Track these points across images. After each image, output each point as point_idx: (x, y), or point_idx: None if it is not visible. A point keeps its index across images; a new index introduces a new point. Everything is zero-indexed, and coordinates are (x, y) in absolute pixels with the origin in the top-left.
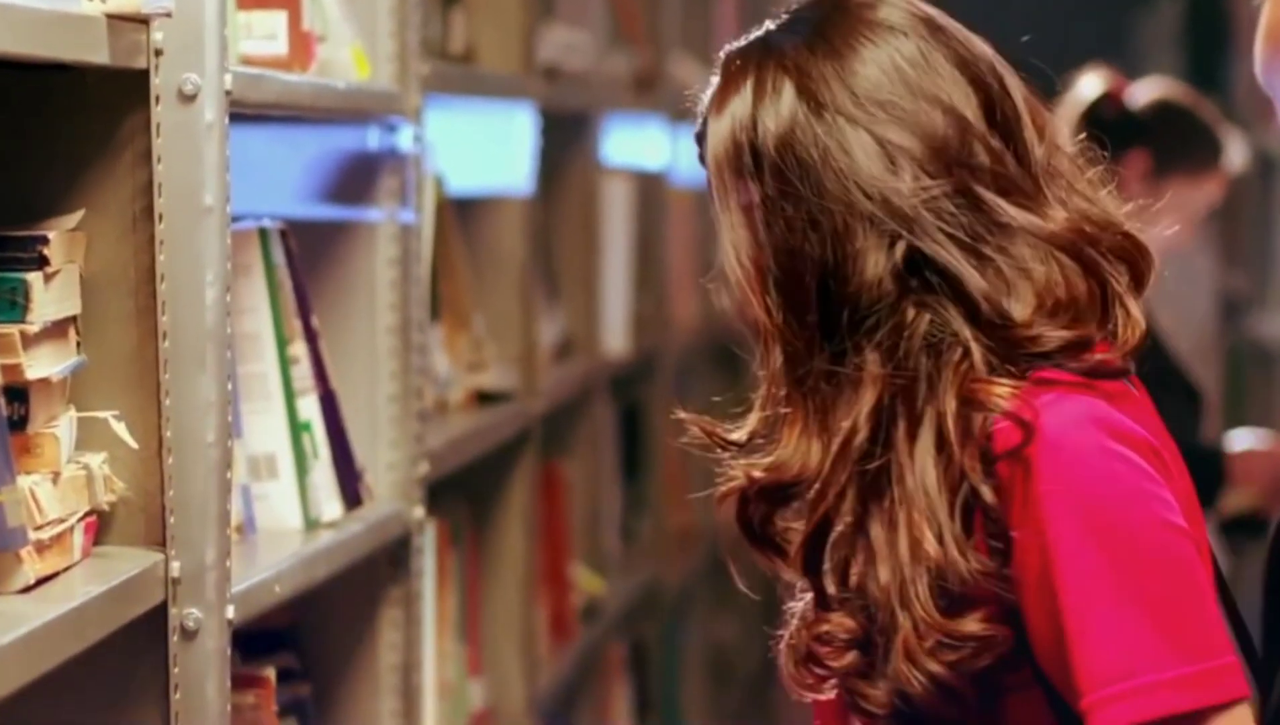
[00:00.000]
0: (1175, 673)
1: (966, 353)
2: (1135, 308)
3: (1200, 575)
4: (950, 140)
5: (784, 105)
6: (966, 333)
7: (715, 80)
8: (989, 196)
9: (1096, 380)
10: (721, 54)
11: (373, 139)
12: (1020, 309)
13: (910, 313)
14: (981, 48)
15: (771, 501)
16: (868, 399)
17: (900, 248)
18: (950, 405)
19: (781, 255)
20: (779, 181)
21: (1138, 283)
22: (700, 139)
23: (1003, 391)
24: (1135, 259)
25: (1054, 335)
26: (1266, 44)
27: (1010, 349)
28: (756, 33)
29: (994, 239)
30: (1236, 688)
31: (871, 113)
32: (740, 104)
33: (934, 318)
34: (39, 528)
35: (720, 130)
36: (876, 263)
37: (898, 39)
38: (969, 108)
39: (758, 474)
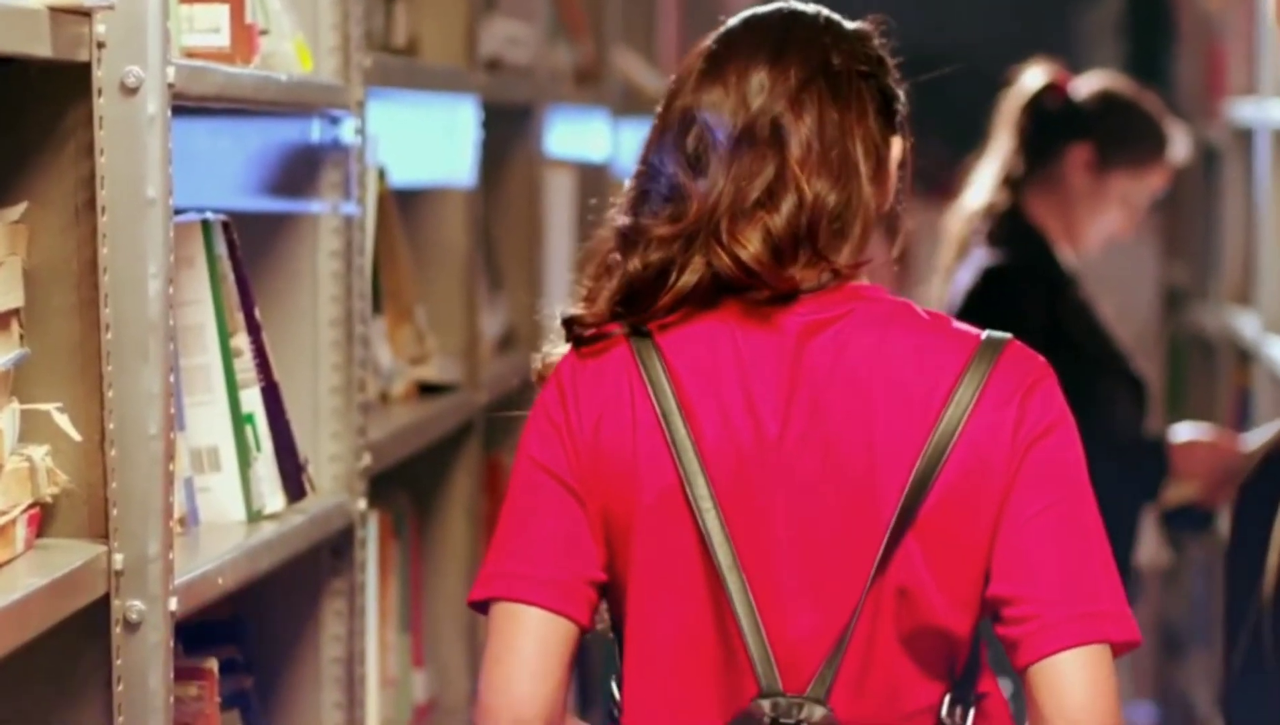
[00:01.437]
0: (487, 569)
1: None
2: (687, 277)
3: (528, 500)
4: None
5: None
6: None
7: None
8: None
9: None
10: None
11: (315, 131)
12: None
13: None
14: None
15: None
16: None
17: None
18: None
19: None
20: None
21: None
22: None
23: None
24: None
25: (588, 313)
26: None
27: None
28: None
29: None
30: (498, 589)
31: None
32: None
33: None
34: None
35: None
36: None
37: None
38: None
39: None
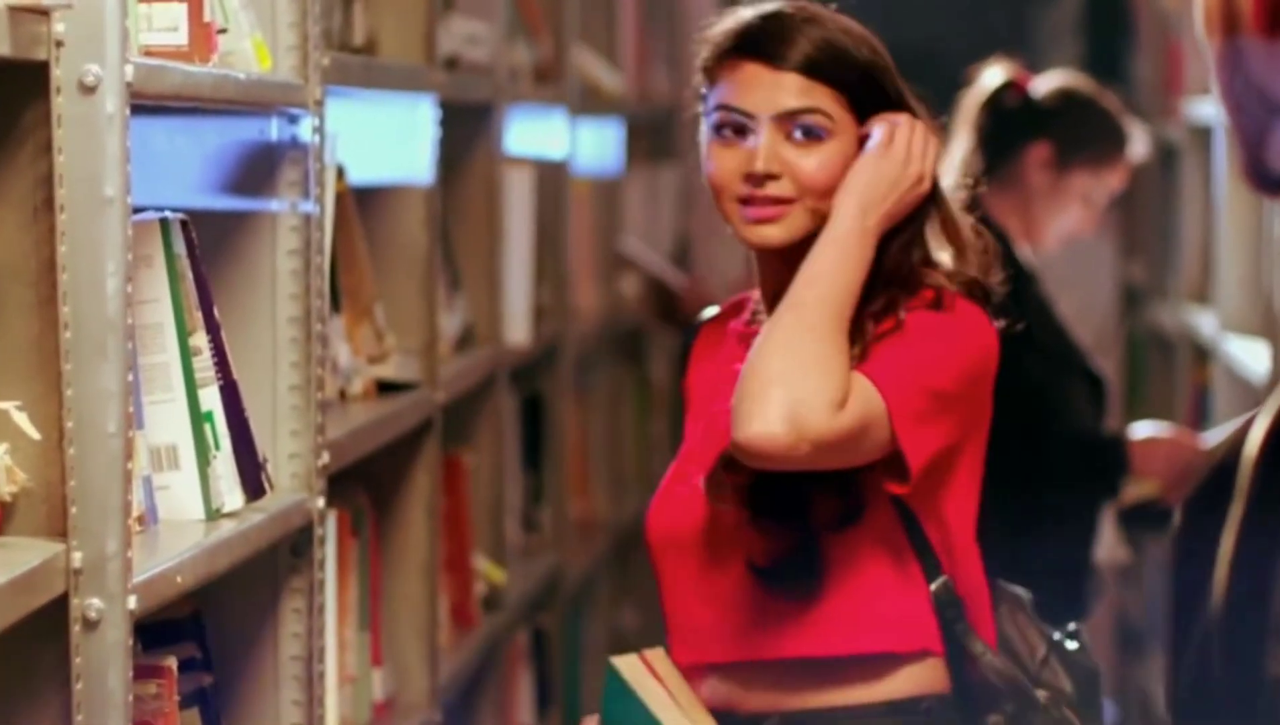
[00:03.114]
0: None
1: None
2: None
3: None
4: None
5: None
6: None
7: None
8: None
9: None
10: None
11: (274, 130)
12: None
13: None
14: None
15: None
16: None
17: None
18: None
19: None
20: None
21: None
22: None
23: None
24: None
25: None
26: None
27: None
28: None
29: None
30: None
31: None
32: None
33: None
34: None
35: None
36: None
37: None
38: None
39: None
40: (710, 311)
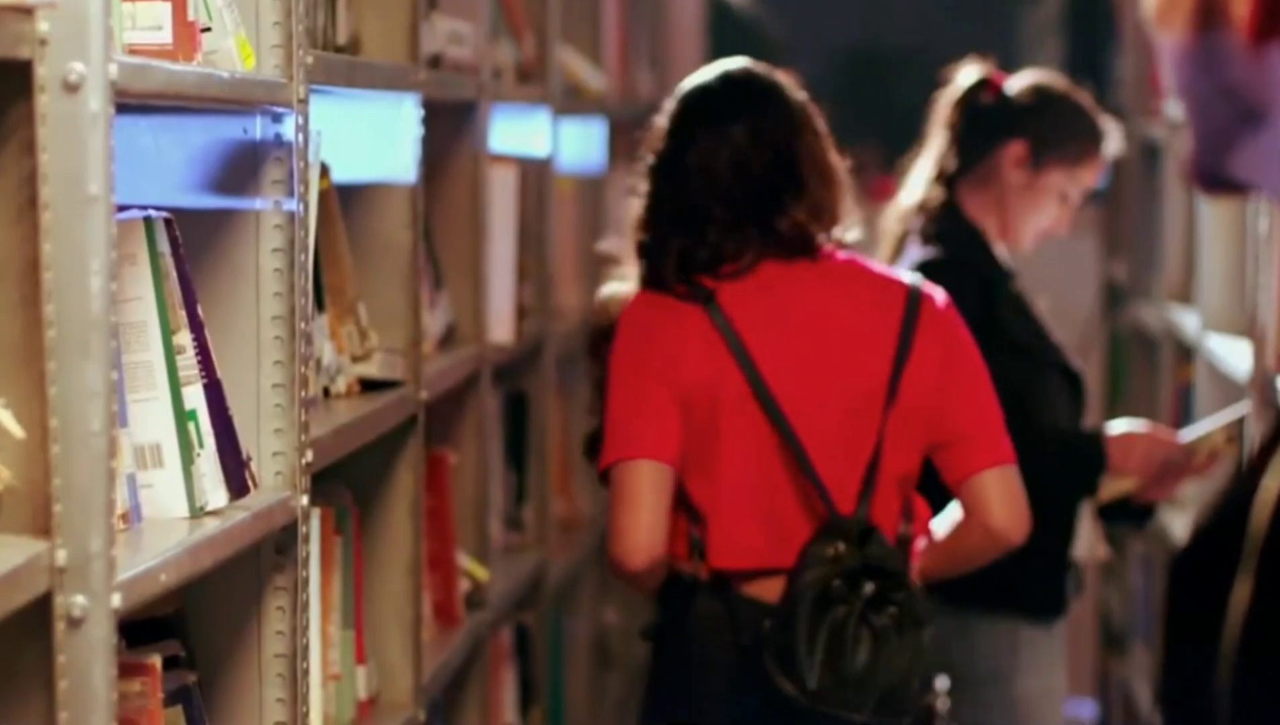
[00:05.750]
0: (610, 446)
1: None
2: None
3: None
4: None
5: None
6: None
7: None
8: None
9: None
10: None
11: (258, 128)
12: None
13: None
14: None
15: None
16: None
17: None
18: None
19: None
20: None
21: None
22: None
23: None
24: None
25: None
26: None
27: None
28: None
29: None
30: (622, 453)
31: None
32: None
33: None
34: None
35: None
36: None
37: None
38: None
39: None
40: None
